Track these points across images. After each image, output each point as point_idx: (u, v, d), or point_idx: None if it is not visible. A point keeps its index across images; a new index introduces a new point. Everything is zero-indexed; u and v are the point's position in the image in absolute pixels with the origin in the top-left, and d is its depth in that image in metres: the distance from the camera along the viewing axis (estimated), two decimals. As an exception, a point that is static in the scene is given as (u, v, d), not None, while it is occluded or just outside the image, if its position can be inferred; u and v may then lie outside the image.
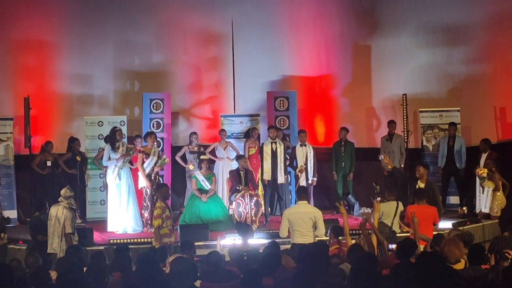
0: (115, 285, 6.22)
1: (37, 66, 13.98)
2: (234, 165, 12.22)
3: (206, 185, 11.71)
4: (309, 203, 9.07)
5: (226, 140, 12.89)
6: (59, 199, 9.31)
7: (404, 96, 13.59)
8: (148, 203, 11.24)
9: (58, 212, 9.13)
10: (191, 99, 14.62)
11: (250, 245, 8.34)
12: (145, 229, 11.23)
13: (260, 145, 12.47)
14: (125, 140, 11.78)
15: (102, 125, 13.18)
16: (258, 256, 6.62)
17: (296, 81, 14.61)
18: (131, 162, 11.57)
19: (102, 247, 9.80)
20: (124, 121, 13.16)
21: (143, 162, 11.35)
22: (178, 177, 13.17)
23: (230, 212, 11.58)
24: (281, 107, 13.66)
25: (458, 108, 13.82)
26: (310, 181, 12.22)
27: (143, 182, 11.33)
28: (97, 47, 14.16)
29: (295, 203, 9.53)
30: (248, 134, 13.08)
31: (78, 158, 12.52)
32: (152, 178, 11.41)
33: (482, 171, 11.62)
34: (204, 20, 14.53)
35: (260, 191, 12.25)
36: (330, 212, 12.24)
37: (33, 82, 13.86)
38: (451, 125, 13.13)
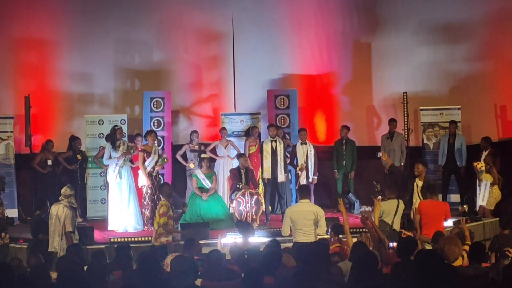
0: (115, 284, 6.22)
1: (37, 65, 13.95)
2: (235, 163, 12.20)
3: (207, 183, 11.70)
4: (311, 201, 9.07)
5: (227, 138, 12.89)
6: (59, 198, 9.33)
7: (405, 94, 13.56)
8: (149, 201, 11.23)
9: (59, 211, 9.15)
10: (191, 98, 14.62)
11: (251, 244, 8.34)
12: (146, 227, 11.22)
13: (260, 143, 12.47)
14: (125, 138, 11.80)
15: (102, 123, 13.17)
16: (259, 255, 6.62)
17: (296, 79, 14.60)
18: (131, 161, 11.56)
19: (102, 246, 9.80)
20: (124, 120, 13.16)
21: (144, 161, 11.34)
22: (179, 176, 13.15)
23: (231, 210, 11.57)
24: (282, 105, 13.64)
25: (459, 106, 13.80)
26: (310, 180, 12.21)
27: (143, 181, 11.31)
28: (98, 46, 14.14)
29: (297, 202, 9.52)
30: (248, 133, 13.07)
31: (79, 157, 12.51)
32: (153, 176, 11.41)
33: (481, 165, 11.72)
34: (205, 18, 14.51)
35: (261, 189, 12.26)
36: (330, 210, 12.24)
37: (33, 81, 13.85)
38: (452, 123, 13.13)
